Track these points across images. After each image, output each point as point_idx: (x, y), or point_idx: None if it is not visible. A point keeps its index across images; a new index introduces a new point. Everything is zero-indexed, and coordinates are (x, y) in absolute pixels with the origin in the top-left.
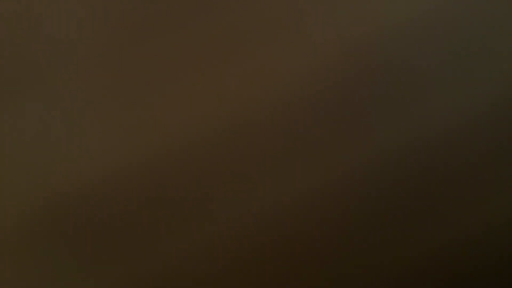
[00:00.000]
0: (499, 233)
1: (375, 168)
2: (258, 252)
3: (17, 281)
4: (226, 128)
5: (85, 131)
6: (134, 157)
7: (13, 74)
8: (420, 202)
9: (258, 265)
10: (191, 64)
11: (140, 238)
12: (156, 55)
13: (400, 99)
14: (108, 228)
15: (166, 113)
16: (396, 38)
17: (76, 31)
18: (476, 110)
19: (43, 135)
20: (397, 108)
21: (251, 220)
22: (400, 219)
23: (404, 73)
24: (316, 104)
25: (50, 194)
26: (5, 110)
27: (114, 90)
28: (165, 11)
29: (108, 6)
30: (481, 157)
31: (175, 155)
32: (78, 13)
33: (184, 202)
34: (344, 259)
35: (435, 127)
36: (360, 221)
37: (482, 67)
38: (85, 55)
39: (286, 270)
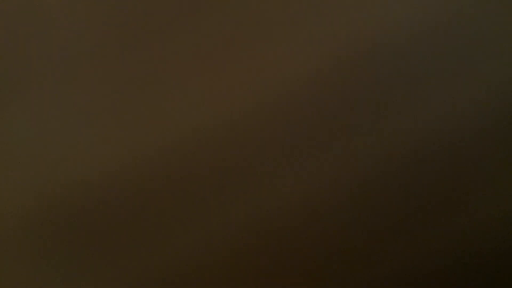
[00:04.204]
0: (498, 233)
1: (375, 167)
2: (259, 252)
3: (16, 280)
4: (226, 127)
5: (85, 130)
6: (135, 156)
7: (14, 73)
8: (423, 202)
9: (259, 265)
10: (191, 63)
11: (140, 237)
12: (157, 55)
13: (401, 98)
14: (108, 227)
15: (167, 113)
16: (396, 38)
17: (76, 30)
18: (477, 110)
19: (44, 134)
20: (398, 107)
21: (251, 220)
22: (403, 219)
23: (405, 73)
24: (317, 104)
25: (50, 193)
26: (5, 110)
27: (114, 90)
28: (165, 11)
29: (110, 6)
30: (481, 158)
31: (175, 154)
32: (79, 12)
33: (184, 201)
34: (347, 258)
35: (436, 127)
36: (363, 220)
37: (482, 66)
38: (86, 55)
39: (287, 269)
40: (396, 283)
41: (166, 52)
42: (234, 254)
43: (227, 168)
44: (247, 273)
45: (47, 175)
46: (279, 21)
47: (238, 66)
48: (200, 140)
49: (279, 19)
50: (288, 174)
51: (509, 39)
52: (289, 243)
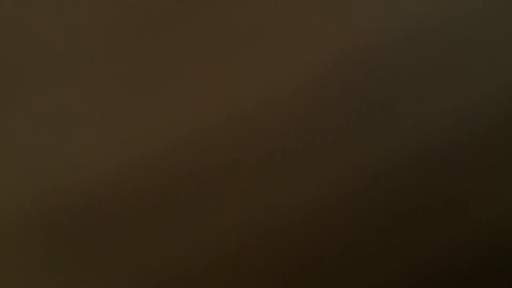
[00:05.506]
0: (499, 234)
1: (376, 167)
2: (259, 252)
3: (16, 280)
4: (225, 127)
5: (85, 131)
6: (134, 157)
7: (13, 75)
8: (424, 202)
9: (259, 265)
10: (189, 63)
11: (140, 237)
12: (155, 56)
13: (401, 98)
14: (107, 227)
15: (166, 113)
16: (397, 38)
17: (75, 31)
18: (475, 112)
19: (43, 135)
20: (398, 107)
21: (250, 220)
22: (403, 218)
23: (405, 72)
24: (316, 104)
25: (50, 193)
26: (5, 111)
27: (113, 90)
28: (163, 12)
29: (109, 5)
30: (482, 158)
31: (174, 154)
32: (78, 11)
33: (184, 202)
34: (347, 258)
35: (438, 126)
36: (363, 220)
37: (483, 66)
38: (84, 56)
39: (287, 269)
40: (396, 283)
41: (164, 53)
42: (233, 254)
43: (226, 168)
44: (247, 273)
45: (46, 175)
46: (279, 21)
47: (236, 66)
48: (199, 140)
49: (279, 18)
50: (288, 174)
51: (510, 39)
52: (289, 243)
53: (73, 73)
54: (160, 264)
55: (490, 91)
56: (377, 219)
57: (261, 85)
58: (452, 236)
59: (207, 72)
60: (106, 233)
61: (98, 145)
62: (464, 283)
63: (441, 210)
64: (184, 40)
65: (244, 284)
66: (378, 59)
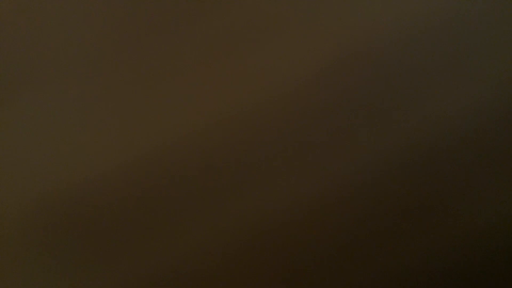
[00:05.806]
0: (499, 234)
1: (375, 167)
2: (258, 252)
3: (16, 280)
4: (225, 127)
5: (84, 131)
6: (134, 157)
7: (13, 73)
8: (423, 202)
9: (258, 265)
10: (188, 63)
11: (140, 237)
12: (156, 53)
13: (401, 98)
14: (108, 226)
15: (166, 113)
16: (396, 38)
17: (75, 31)
18: (477, 110)
19: (43, 133)
20: (398, 107)
21: (250, 220)
22: (403, 219)
23: (404, 74)
24: (316, 104)
25: (50, 193)
26: (5, 109)
27: (113, 89)
28: (162, 12)
29: (109, 5)
30: (482, 158)
31: (174, 154)
32: (78, 12)
33: (184, 201)
34: (345, 258)
35: (436, 126)
36: (362, 220)
37: (482, 66)
38: (84, 56)
39: (286, 268)
40: (396, 283)
41: (164, 53)
42: (233, 254)
43: (226, 167)
44: (246, 273)
45: (47, 175)
46: (279, 21)
47: (236, 66)
48: (199, 140)
49: (279, 18)
50: (288, 174)
51: (509, 39)
52: (289, 243)
53: (74, 73)
54: (160, 264)
55: (490, 91)
56: (377, 219)
57: (260, 84)
58: (452, 236)
59: (207, 72)
60: (106, 233)
61: (98, 145)
62: (464, 284)
63: (441, 211)
64: (184, 40)
65: (244, 284)
66: (377, 59)
